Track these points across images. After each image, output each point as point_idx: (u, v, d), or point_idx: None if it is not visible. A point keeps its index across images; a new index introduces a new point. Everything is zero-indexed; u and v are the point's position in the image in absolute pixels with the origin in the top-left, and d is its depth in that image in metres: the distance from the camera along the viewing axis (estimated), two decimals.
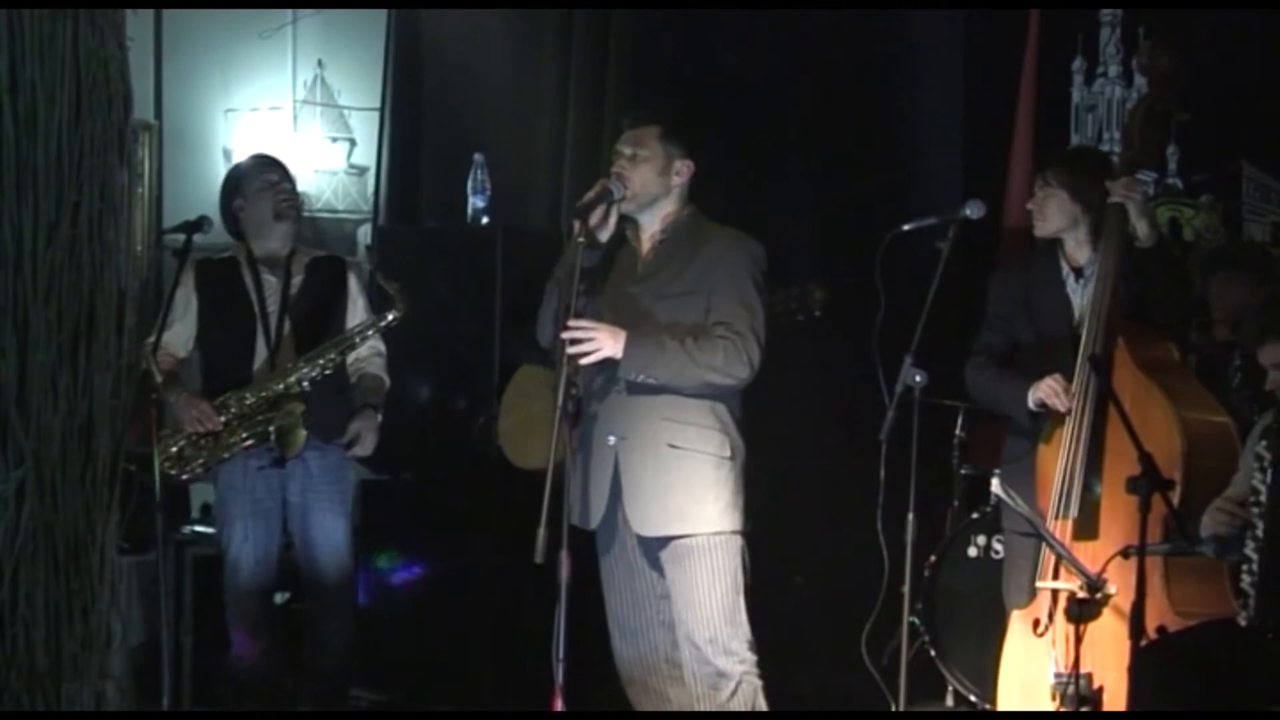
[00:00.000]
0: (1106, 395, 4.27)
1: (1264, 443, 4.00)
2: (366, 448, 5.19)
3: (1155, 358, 4.46)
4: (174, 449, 5.06)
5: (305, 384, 5.06)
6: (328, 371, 5.11)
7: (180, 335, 5.20)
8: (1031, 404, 4.56)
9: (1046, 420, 4.55)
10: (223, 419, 5.05)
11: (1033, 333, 4.72)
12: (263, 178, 5.25)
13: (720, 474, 4.33)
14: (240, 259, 5.23)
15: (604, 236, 4.35)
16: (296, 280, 5.20)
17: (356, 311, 5.25)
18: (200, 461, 5.09)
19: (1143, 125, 4.60)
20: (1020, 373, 4.66)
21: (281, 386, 5.05)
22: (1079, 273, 4.67)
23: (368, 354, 5.25)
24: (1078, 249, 4.68)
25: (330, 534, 5.19)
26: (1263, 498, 3.94)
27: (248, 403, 5.05)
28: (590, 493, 4.40)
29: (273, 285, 5.19)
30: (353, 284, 5.30)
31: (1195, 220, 6.37)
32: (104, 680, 3.31)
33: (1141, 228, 4.47)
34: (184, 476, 5.12)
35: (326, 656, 5.25)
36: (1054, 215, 4.65)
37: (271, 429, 5.02)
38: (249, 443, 5.05)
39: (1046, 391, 4.51)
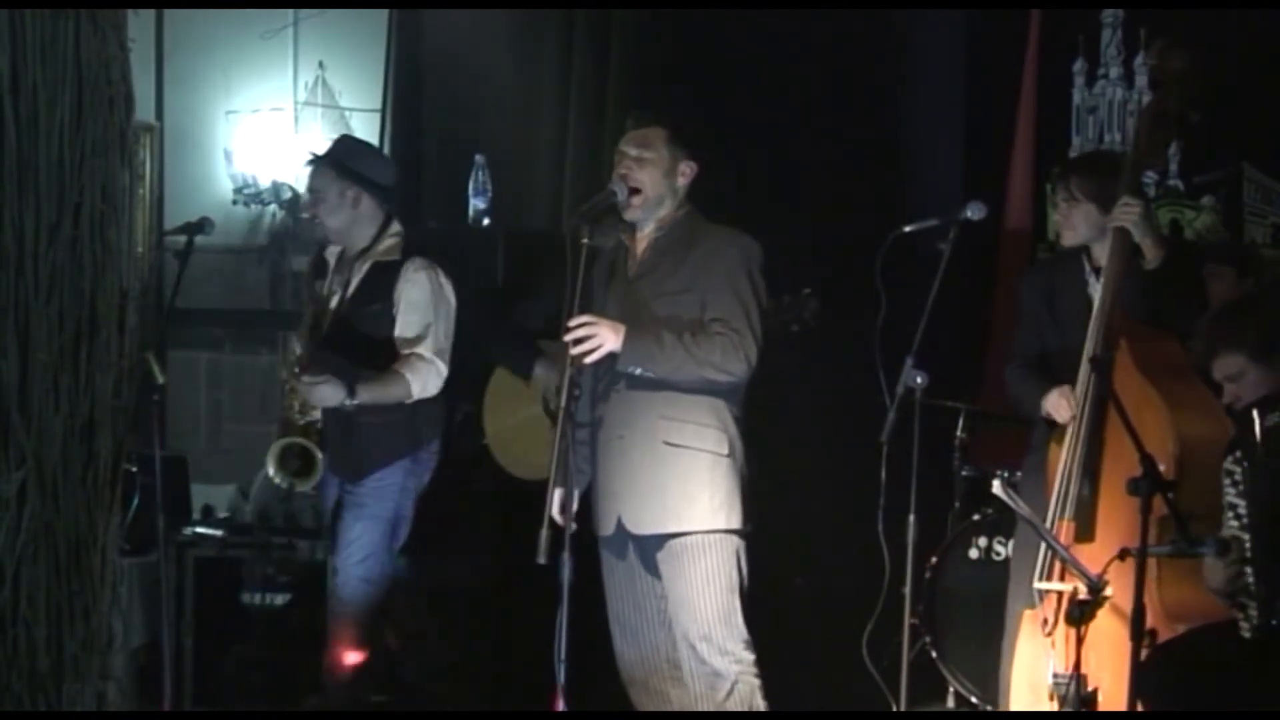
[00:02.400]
0: (1107, 398, 4.27)
1: (1231, 458, 3.97)
2: (310, 395, 4.87)
3: (1157, 360, 4.45)
4: None
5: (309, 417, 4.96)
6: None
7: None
8: (1042, 414, 4.57)
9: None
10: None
11: (1056, 334, 4.71)
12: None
13: (716, 472, 4.32)
14: (331, 255, 5.15)
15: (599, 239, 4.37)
16: (351, 290, 5.04)
17: (403, 312, 4.97)
18: None
19: (1152, 125, 4.59)
20: (1042, 380, 4.65)
21: (290, 414, 4.97)
22: (1101, 272, 4.67)
23: (410, 355, 4.96)
24: (1104, 251, 4.66)
25: (357, 540, 4.99)
26: (1241, 510, 3.92)
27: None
28: (599, 500, 4.41)
29: (334, 294, 5.07)
30: (401, 286, 4.99)
31: (1196, 222, 6.37)
32: (105, 681, 3.32)
33: (1146, 246, 4.45)
34: None
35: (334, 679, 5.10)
36: (1082, 226, 4.62)
37: (272, 457, 4.93)
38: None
39: (1052, 405, 4.51)
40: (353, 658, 5.08)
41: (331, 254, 5.15)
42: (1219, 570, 3.91)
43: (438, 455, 5.10)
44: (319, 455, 4.89)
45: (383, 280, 4.99)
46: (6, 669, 3.16)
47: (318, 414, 4.95)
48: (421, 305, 4.98)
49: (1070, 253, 4.78)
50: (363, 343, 4.97)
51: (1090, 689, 4.18)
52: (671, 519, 4.31)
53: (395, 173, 5.27)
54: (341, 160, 5.08)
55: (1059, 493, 4.44)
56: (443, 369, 4.98)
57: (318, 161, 5.14)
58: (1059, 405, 4.50)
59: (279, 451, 4.89)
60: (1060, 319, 4.71)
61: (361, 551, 4.99)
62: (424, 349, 4.95)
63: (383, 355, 4.95)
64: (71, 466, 3.22)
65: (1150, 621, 4.03)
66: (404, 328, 4.96)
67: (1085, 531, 4.38)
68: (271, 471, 4.88)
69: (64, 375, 3.21)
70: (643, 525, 4.34)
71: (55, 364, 3.20)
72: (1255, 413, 3.88)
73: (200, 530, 5.93)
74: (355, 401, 4.85)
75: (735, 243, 4.38)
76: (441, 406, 5.09)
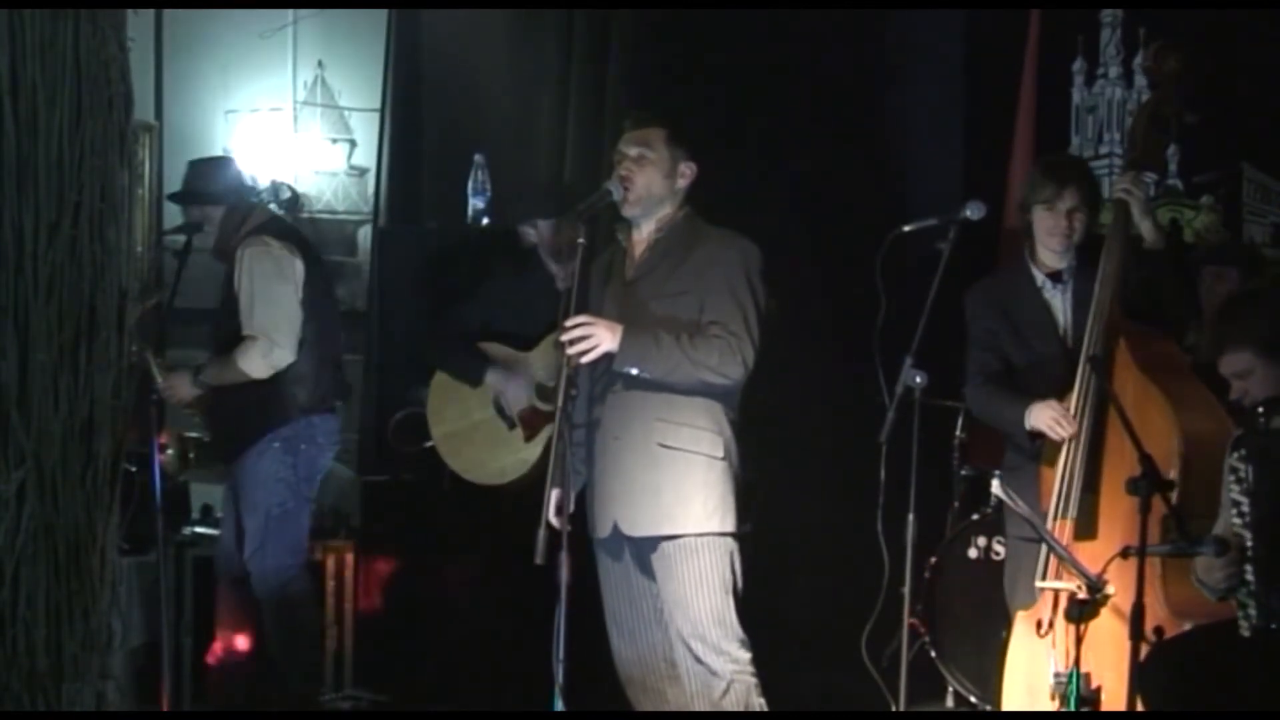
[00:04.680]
0: (1107, 397, 4.27)
1: (1236, 455, 3.96)
2: (166, 395, 5.13)
3: (1157, 358, 4.46)
4: None
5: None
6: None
7: None
8: (1028, 428, 4.57)
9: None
10: None
11: (1022, 349, 4.71)
12: None
13: (711, 475, 4.32)
14: None
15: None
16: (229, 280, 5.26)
17: (241, 293, 5.17)
18: None
19: (1148, 126, 4.61)
20: (1017, 394, 4.65)
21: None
22: (1056, 277, 4.68)
23: (245, 336, 5.17)
24: (1059, 256, 4.67)
25: (245, 530, 5.25)
26: (1245, 508, 3.92)
27: None
28: (595, 502, 4.41)
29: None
30: (238, 269, 5.19)
31: (1196, 221, 6.37)
32: (104, 681, 3.31)
33: (1145, 227, 4.47)
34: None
35: (273, 651, 5.32)
36: (1078, 232, 4.64)
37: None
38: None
39: (1047, 424, 4.49)
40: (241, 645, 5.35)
41: None
42: (1215, 568, 3.91)
43: (329, 438, 5.34)
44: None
45: (229, 272, 5.23)
46: (5, 669, 3.16)
47: None
48: (245, 286, 5.18)
49: (1014, 264, 4.80)
50: (233, 336, 5.19)
51: (1093, 687, 4.19)
52: (666, 521, 4.31)
53: (228, 170, 5.46)
54: (191, 190, 5.31)
55: (1060, 492, 4.44)
56: (270, 345, 5.13)
57: (178, 200, 5.39)
58: (1058, 423, 4.48)
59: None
60: (1022, 331, 4.71)
61: (255, 547, 5.22)
62: (249, 328, 5.15)
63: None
64: (71, 466, 3.22)
65: (1157, 619, 4.05)
66: (241, 304, 5.17)
67: (1087, 530, 4.38)
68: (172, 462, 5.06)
69: (63, 375, 3.21)
70: (637, 527, 4.35)
71: (54, 364, 3.20)
72: (1261, 412, 3.88)
73: (199, 530, 5.93)
74: (206, 381, 5.14)
75: (734, 245, 4.38)
76: (293, 384, 5.23)
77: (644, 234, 4.45)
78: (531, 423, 5.30)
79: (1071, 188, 4.63)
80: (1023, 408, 4.57)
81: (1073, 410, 4.46)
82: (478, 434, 5.40)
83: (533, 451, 5.24)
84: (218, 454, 5.27)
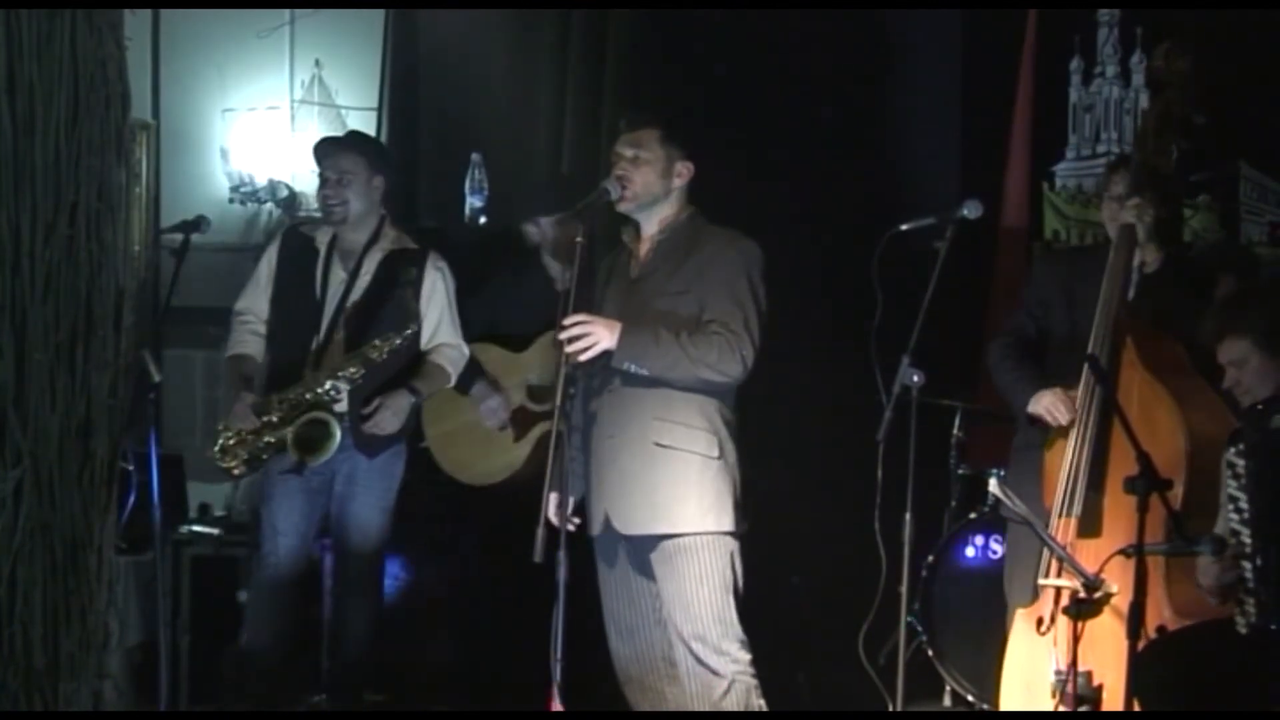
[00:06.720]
0: (1108, 399, 4.27)
1: (1234, 449, 3.96)
2: (382, 425, 5.08)
3: (1164, 358, 4.46)
4: (222, 443, 5.11)
5: (335, 393, 5.02)
6: (357, 383, 5.06)
7: (261, 304, 5.27)
8: (1029, 411, 4.57)
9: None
10: (263, 419, 5.07)
11: (1068, 325, 4.71)
12: (319, 169, 5.26)
13: (707, 474, 4.33)
14: (322, 243, 5.22)
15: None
16: (364, 279, 5.16)
17: (433, 306, 5.20)
18: (241, 459, 5.11)
19: (1158, 128, 4.62)
20: (1035, 374, 4.65)
21: (309, 395, 5.04)
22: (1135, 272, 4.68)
23: (442, 345, 5.22)
24: (1138, 249, 4.67)
25: (364, 525, 5.18)
26: (1243, 504, 3.92)
27: (282, 406, 5.06)
28: (591, 499, 4.41)
29: (339, 280, 5.17)
30: (430, 278, 5.21)
31: (1193, 220, 6.36)
32: (101, 680, 3.32)
33: (1149, 251, 4.48)
34: (234, 471, 5.16)
35: (348, 641, 5.27)
36: (1147, 213, 4.65)
37: (289, 435, 5.01)
38: (271, 446, 5.06)
39: (1043, 409, 4.50)
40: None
41: (322, 242, 5.20)
42: (1212, 569, 3.91)
43: None
44: (336, 430, 5.01)
45: (405, 267, 5.19)
46: (3, 668, 3.16)
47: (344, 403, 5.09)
48: (450, 295, 5.26)
49: (1097, 249, 4.79)
50: (378, 327, 5.10)
51: (1094, 686, 4.19)
52: (662, 520, 4.31)
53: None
54: (370, 149, 5.30)
55: (1064, 490, 4.44)
56: (466, 351, 5.29)
57: (348, 143, 5.29)
58: (1055, 408, 4.49)
59: (301, 426, 5.02)
60: (1077, 312, 4.70)
61: (375, 543, 5.22)
62: (452, 338, 5.25)
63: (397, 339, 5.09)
64: (68, 465, 3.22)
65: (1160, 619, 4.05)
66: (434, 318, 5.22)
67: (1091, 528, 4.38)
68: (291, 443, 5.01)
69: (60, 374, 3.21)
70: (633, 526, 4.35)
71: (52, 363, 3.20)
72: (1261, 409, 3.88)
73: (196, 529, 5.94)
74: (424, 395, 5.17)
75: (735, 245, 4.39)
76: None
77: (647, 235, 4.47)
78: (522, 422, 5.30)
79: (1118, 174, 4.72)
80: (1032, 390, 4.58)
81: (1078, 409, 4.46)
82: (469, 434, 5.40)
83: (521, 452, 5.25)
84: (358, 443, 5.11)
